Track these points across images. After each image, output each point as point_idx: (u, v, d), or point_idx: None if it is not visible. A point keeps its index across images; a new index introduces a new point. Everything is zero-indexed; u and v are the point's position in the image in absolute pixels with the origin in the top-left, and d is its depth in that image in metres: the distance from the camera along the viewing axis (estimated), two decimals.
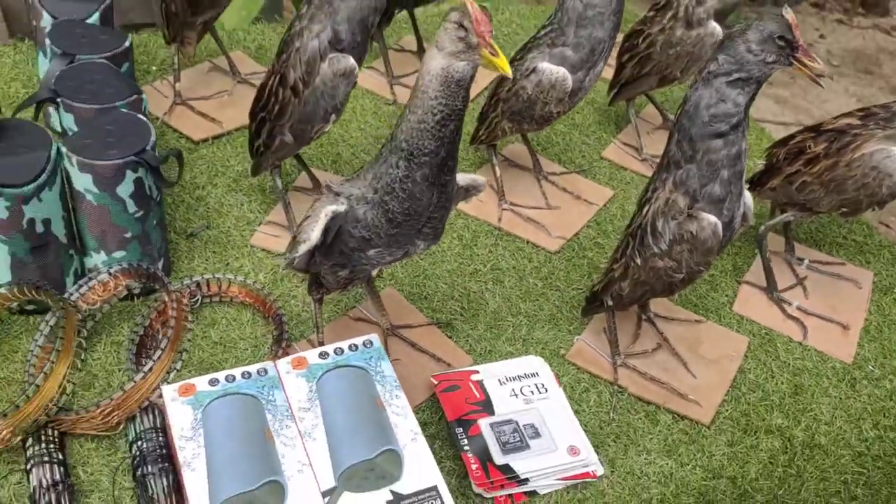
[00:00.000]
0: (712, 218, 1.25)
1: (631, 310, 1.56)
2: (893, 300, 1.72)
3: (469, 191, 1.28)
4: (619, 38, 1.89)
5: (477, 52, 0.99)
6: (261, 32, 2.12)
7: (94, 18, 1.57)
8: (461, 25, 0.99)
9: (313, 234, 1.15)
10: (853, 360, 1.58)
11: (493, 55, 0.98)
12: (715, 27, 1.78)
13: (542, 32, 1.60)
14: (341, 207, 1.15)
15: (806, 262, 1.76)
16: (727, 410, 1.46)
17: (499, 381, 1.39)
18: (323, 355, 1.29)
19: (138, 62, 1.98)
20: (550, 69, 1.56)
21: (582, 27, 1.53)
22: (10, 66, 1.94)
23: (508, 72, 0.99)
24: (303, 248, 1.18)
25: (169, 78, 1.92)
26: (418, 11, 2.18)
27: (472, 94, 2.04)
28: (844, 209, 1.54)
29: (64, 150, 1.30)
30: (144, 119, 1.37)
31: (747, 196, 1.31)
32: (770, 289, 1.68)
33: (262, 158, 1.59)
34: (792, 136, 1.64)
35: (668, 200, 1.28)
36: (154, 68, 1.98)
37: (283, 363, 1.28)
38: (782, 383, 1.52)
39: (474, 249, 1.69)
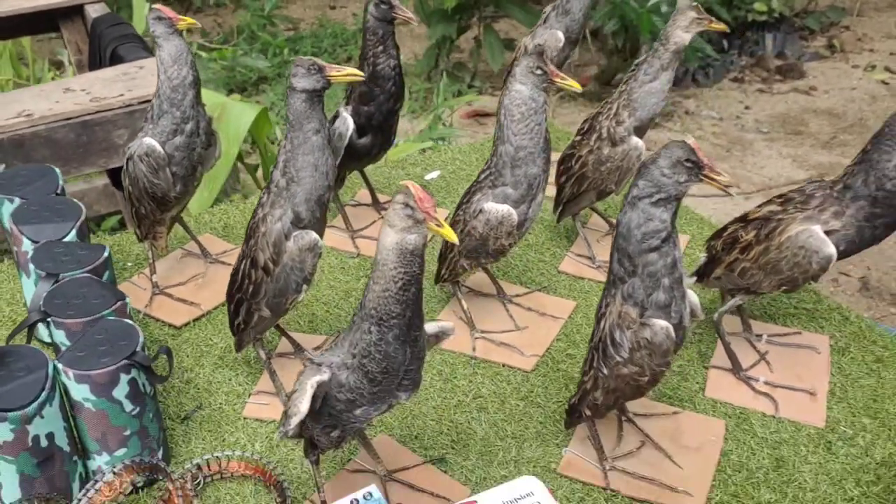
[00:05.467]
0: (663, 322, 1.37)
1: (611, 414, 1.65)
2: (851, 359, 1.83)
3: (440, 337, 1.39)
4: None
5: (424, 225, 1.12)
6: (224, 212, 2.26)
7: (71, 236, 1.70)
8: (407, 205, 1.12)
9: (302, 406, 1.24)
10: (825, 423, 1.67)
11: (438, 227, 1.11)
12: (637, 142, 1.95)
13: (483, 176, 1.75)
14: (325, 376, 1.25)
15: (764, 337, 1.87)
16: (717, 495, 1.53)
17: None
18: None
19: (115, 261, 2.10)
20: (495, 208, 1.71)
21: (517, 167, 1.69)
22: None
23: (454, 239, 1.12)
24: (294, 421, 1.27)
25: (145, 272, 2.04)
26: (368, 168, 2.35)
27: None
28: (784, 287, 1.67)
29: (60, 366, 1.39)
30: (131, 323, 1.48)
31: (691, 295, 1.43)
32: (736, 369, 1.78)
33: (243, 335, 1.69)
34: (724, 229, 1.78)
35: (620, 313, 1.40)
36: (130, 264, 2.10)
37: None
38: (764, 458, 1.60)
39: (455, 382, 1.78)
